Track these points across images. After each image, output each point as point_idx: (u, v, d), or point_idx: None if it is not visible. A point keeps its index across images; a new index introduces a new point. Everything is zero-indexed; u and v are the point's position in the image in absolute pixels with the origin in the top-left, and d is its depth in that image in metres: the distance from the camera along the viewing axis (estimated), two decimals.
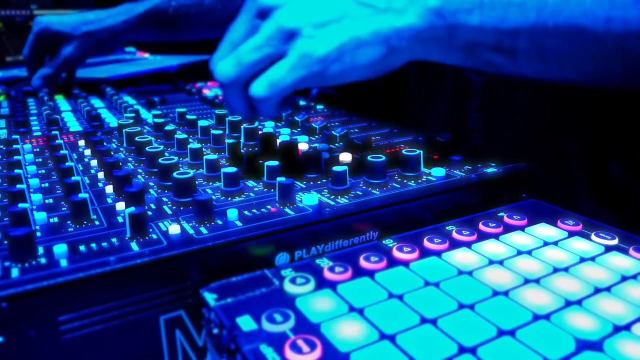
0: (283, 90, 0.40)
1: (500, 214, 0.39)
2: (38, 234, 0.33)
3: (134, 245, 0.32)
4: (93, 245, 0.32)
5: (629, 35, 0.36)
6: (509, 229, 0.36)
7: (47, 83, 0.84)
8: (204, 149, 0.50)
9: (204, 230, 0.34)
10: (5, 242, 0.31)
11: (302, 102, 0.74)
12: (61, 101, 0.81)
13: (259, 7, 0.41)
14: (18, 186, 0.38)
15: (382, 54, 0.39)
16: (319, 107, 0.73)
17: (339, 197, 0.39)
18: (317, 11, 0.40)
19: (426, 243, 0.34)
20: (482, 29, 0.38)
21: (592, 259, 0.32)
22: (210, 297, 0.28)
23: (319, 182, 0.42)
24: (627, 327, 0.25)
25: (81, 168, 0.47)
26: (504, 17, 0.38)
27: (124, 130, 0.54)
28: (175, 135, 0.52)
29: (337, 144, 0.54)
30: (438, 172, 0.44)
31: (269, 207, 0.37)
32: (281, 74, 0.39)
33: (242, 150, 0.49)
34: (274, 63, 0.40)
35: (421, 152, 0.43)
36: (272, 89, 0.40)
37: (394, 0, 0.40)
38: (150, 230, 0.34)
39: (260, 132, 0.53)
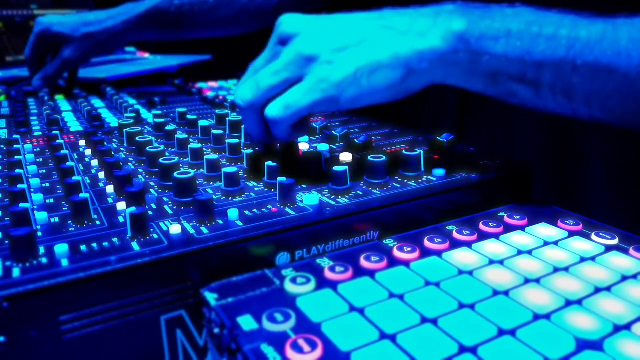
0: (297, 112, 0.40)
1: (501, 214, 0.39)
2: (39, 233, 0.33)
3: (135, 245, 0.32)
4: (94, 245, 0.32)
5: None
6: (509, 228, 0.36)
7: (47, 83, 0.85)
8: (204, 149, 0.50)
9: (204, 230, 0.34)
10: (7, 242, 0.31)
11: None
12: (62, 101, 0.81)
13: (280, 35, 0.42)
14: (19, 186, 0.38)
15: (400, 76, 0.39)
16: None
17: (340, 197, 0.39)
18: (336, 37, 0.40)
19: (427, 243, 0.34)
20: (506, 58, 0.37)
21: (593, 258, 0.32)
22: (211, 297, 0.28)
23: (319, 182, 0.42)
24: (628, 326, 0.25)
25: (82, 168, 0.47)
26: (530, 49, 0.37)
27: (124, 130, 0.54)
28: (176, 135, 0.52)
29: (337, 144, 0.54)
30: (438, 172, 0.44)
31: (269, 207, 0.37)
32: (296, 97, 0.40)
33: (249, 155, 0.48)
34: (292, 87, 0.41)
35: (421, 152, 0.43)
36: (286, 110, 0.40)
37: (416, 22, 0.39)
38: (151, 230, 0.34)
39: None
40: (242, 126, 0.54)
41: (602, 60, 0.35)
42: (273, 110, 0.41)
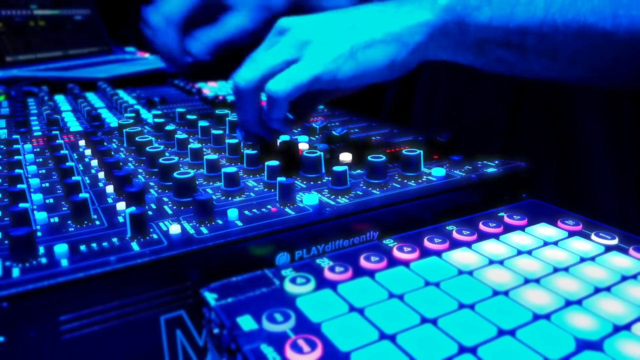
0: (298, 86, 0.41)
1: (501, 214, 0.39)
2: (39, 233, 0.33)
3: (135, 245, 0.32)
4: (94, 245, 0.32)
5: (636, 32, 0.37)
6: (509, 229, 0.36)
7: (209, 51, 0.62)
8: (204, 149, 0.50)
9: (204, 230, 0.34)
10: (6, 242, 0.31)
11: None
12: (61, 101, 0.81)
13: (278, 28, 0.45)
14: (19, 186, 0.38)
15: (395, 51, 0.41)
16: (319, 107, 0.73)
17: (339, 197, 0.39)
18: (331, 24, 0.43)
19: (426, 243, 0.34)
20: (490, 25, 0.40)
21: (592, 258, 0.32)
22: (210, 297, 0.28)
23: (319, 182, 0.42)
24: (627, 327, 0.25)
25: (81, 168, 0.47)
26: (512, 14, 0.40)
27: (124, 130, 0.54)
28: (176, 135, 0.52)
29: (337, 144, 0.54)
30: (438, 172, 0.44)
31: (269, 207, 0.37)
32: (297, 71, 0.41)
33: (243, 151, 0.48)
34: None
35: (421, 152, 0.43)
36: (287, 83, 0.41)
37: (403, 3, 0.42)
38: (151, 230, 0.34)
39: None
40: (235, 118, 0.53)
41: (578, 18, 0.38)
42: (274, 84, 0.42)
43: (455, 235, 0.35)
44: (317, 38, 0.42)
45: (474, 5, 0.41)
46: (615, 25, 0.38)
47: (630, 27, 0.37)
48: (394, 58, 0.41)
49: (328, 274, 0.30)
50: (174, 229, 0.33)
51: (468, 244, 0.34)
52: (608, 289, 0.29)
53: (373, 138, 0.55)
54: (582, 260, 0.32)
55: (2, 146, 0.54)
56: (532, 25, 0.40)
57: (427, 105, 0.78)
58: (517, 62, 0.42)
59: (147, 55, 1.44)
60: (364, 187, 0.41)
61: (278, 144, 0.48)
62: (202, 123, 0.56)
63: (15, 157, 0.46)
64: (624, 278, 0.30)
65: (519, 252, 0.33)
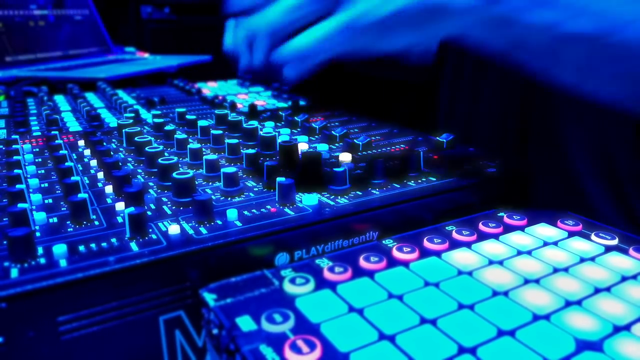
0: (327, 46, 0.36)
1: (500, 214, 0.39)
2: (37, 234, 0.33)
3: (134, 246, 0.32)
4: (92, 245, 0.32)
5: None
6: (508, 229, 0.36)
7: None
8: (203, 149, 0.49)
9: (203, 230, 0.34)
10: (5, 242, 0.31)
11: (302, 102, 0.74)
12: (61, 101, 0.81)
13: None
14: (17, 186, 0.38)
15: (432, 4, 0.36)
16: (319, 107, 0.73)
17: (339, 197, 0.39)
18: None
19: (426, 243, 0.34)
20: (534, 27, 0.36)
21: (592, 259, 0.32)
22: (209, 298, 0.28)
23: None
24: (627, 327, 0.25)
25: (81, 168, 0.47)
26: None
27: (123, 130, 0.54)
28: (175, 135, 0.52)
29: (337, 144, 0.54)
30: (438, 172, 0.44)
31: (268, 207, 0.37)
32: (328, 27, 0.36)
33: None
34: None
35: (421, 152, 0.43)
36: (316, 43, 0.36)
37: None
38: (150, 230, 0.34)
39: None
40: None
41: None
42: (303, 38, 0.36)
43: (454, 235, 0.35)
44: None
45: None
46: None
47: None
48: (428, 16, 0.36)
49: (327, 275, 0.30)
50: (173, 229, 0.33)
51: (468, 244, 0.34)
52: (608, 289, 0.29)
53: (373, 138, 0.55)
54: (582, 260, 0.32)
55: (1, 146, 0.54)
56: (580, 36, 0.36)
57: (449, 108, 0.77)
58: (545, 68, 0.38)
59: (146, 55, 1.44)
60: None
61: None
62: (202, 123, 0.56)
63: (15, 157, 0.46)
64: (624, 278, 0.30)
65: (519, 253, 0.33)
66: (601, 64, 0.36)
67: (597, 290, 0.29)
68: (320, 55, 0.37)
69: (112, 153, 0.49)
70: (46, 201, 0.39)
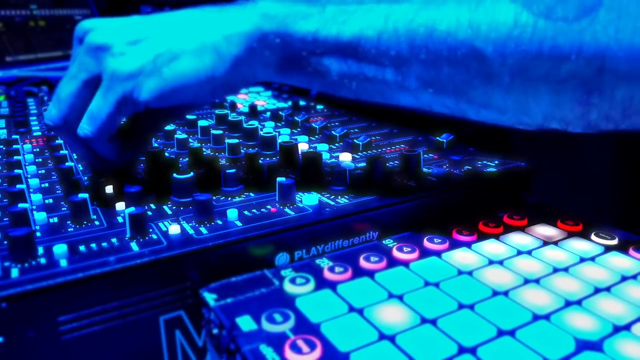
0: (104, 122, 0.35)
1: (500, 214, 0.39)
2: (38, 234, 0.33)
3: (134, 246, 0.32)
4: (93, 245, 0.32)
5: (499, 44, 0.29)
6: (508, 229, 0.36)
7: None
8: (203, 149, 0.49)
9: (203, 230, 0.34)
10: (5, 242, 0.31)
11: (302, 102, 0.74)
12: None
13: (77, 35, 0.37)
14: (18, 186, 0.38)
15: (210, 65, 0.34)
16: (319, 107, 0.73)
17: (339, 197, 0.39)
18: (132, 28, 0.35)
19: (426, 243, 0.34)
20: (317, 36, 0.33)
21: (592, 259, 0.32)
22: (210, 297, 0.28)
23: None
24: (627, 327, 0.25)
25: (81, 168, 0.47)
26: (344, 23, 0.33)
27: None
28: (175, 135, 0.52)
29: (337, 144, 0.54)
30: (438, 172, 0.44)
31: (269, 207, 0.37)
32: (97, 102, 0.35)
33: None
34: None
35: (421, 152, 0.43)
36: (92, 122, 0.36)
37: (226, 10, 0.36)
38: (150, 230, 0.34)
39: (262, 133, 0.53)
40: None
41: (426, 24, 0.31)
42: (82, 127, 0.36)
43: (455, 235, 0.35)
44: (116, 44, 0.35)
45: (302, 13, 0.33)
46: (470, 38, 0.29)
47: (490, 42, 0.29)
48: (211, 73, 0.34)
49: (327, 274, 0.30)
50: (174, 229, 0.33)
51: (468, 244, 0.34)
52: (608, 289, 0.29)
53: (373, 138, 0.55)
54: (582, 260, 0.32)
55: (1, 146, 0.54)
56: (367, 35, 0.32)
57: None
58: (368, 87, 0.34)
59: None
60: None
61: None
62: (202, 123, 0.56)
63: (15, 157, 0.46)
64: (624, 278, 0.30)
65: (519, 252, 0.33)
66: (409, 66, 0.32)
67: (597, 290, 0.29)
68: (107, 120, 0.36)
69: None
70: (47, 201, 0.39)
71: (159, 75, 0.34)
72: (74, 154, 0.40)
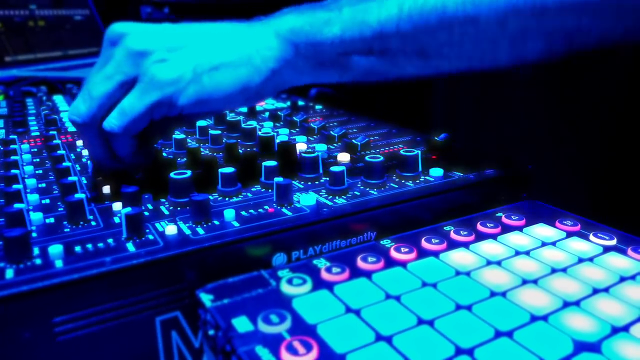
0: (135, 119, 0.37)
1: (499, 214, 0.38)
2: (34, 234, 0.33)
3: (130, 246, 0.31)
4: (89, 245, 0.32)
5: (500, 14, 0.34)
6: (507, 229, 0.36)
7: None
8: (202, 149, 0.49)
9: (200, 230, 0.33)
10: (1, 242, 0.31)
11: (300, 102, 0.74)
12: (60, 101, 0.81)
13: (110, 37, 0.38)
14: (14, 186, 0.37)
15: (247, 76, 0.37)
16: (318, 107, 0.73)
17: (337, 197, 0.39)
18: (171, 35, 0.37)
19: (424, 243, 0.34)
20: (344, 37, 0.37)
21: (591, 259, 0.32)
22: (206, 298, 0.28)
23: (316, 182, 0.42)
24: (626, 328, 0.25)
25: (78, 168, 0.47)
26: (364, 19, 0.36)
27: None
28: (174, 136, 0.52)
29: (335, 144, 0.54)
30: (436, 172, 0.43)
31: (266, 207, 0.37)
32: (131, 100, 0.36)
33: (239, 150, 0.48)
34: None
35: (419, 152, 0.43)
36: (122, 118, 0.37)
37: (253, 27, 0.39)
38: (147, 230, 0.33)
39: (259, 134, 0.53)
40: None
41: (436, 8, 0.35)
42: (109, 120, 0.37)
43: (452, 235, 0.35)
44: (156, 50, 0.36)
45: (323, 20, 0.37)
46: (477, 10, 0.34)
47: (492, 10, 0.34)
48: (247, 84, 0.37)
49: (325, 275, 0.30)
50: (170, 229, 0.33)
51: (466, 245, 0.34)
52: (606, 289, 0.29)
53: (371, 138, 0.55)
54: (580, 260, 0.32)
55: None
56: (388, 26, 0.36)
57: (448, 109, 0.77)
58: (387, 69, 0.38)
59: None
60: (362, 188, 0.41)
61: (276, 146, 0.47)
62: (201, 123, 0.56)
63: (12, 157, 0.46)
64: (623, 279, 0.30)
65: (517, 253, 0.33)
66: (423, 42, 0.36)
67: (596, 291, 0.28)
68: (138, 118, 0.37)
69: None
70: (43, 201, 0.39)
71: (199, 83, 0.36)
72: (90, 154, 0.41)
